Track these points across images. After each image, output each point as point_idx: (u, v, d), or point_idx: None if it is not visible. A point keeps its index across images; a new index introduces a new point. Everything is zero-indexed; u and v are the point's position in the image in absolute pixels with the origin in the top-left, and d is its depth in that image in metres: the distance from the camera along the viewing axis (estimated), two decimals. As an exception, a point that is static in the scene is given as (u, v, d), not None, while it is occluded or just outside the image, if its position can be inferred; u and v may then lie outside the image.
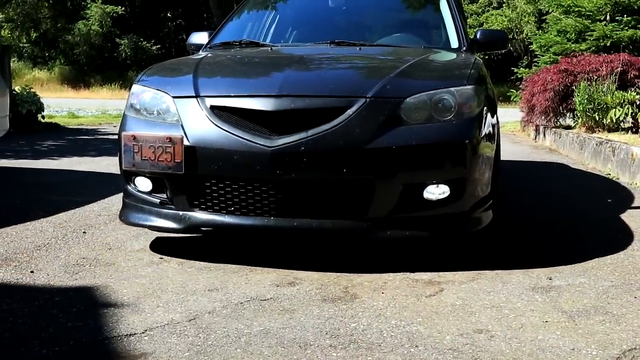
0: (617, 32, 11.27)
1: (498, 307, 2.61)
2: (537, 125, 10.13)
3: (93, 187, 5.29)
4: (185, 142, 3.08)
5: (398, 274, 3.03)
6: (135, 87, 3.48)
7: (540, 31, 17.00)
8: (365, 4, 5.09)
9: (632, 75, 8.63)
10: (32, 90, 10.86)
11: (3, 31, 20.27)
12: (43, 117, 10.89)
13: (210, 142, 3.08)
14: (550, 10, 14.12)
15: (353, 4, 5.03)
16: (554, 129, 9.22)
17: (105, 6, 28.99)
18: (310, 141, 2.97)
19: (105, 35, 29.38)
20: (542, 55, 12.92)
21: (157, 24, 32.87)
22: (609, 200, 5.02)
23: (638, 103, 7.86)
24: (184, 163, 3.07)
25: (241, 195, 3.09)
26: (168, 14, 33.60)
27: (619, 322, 2.47)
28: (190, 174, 3.10)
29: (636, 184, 5.57)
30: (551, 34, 12.84)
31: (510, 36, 21.80)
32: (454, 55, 4.00)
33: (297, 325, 2.40)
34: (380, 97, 3.09)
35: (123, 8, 29.70)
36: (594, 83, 8.38)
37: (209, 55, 4.11)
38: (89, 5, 29.30)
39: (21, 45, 30.42)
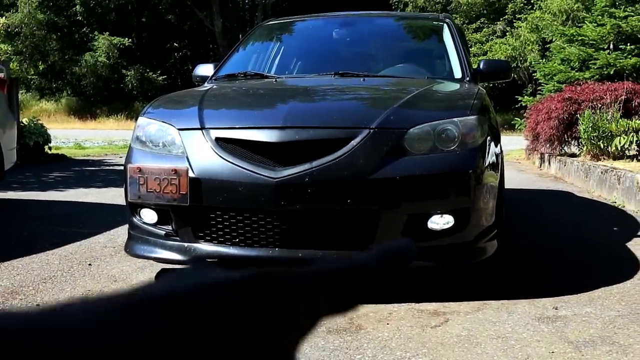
0: (621, 61, 11.33)
1: (504, 338, 2.60)
2: (542, 153, 10.14)
3: (99, 219, 5.31)
4: (191, 174, 3.10)
5: (403, 304, 3.02)
6: (141, 120, 3.51)
7: (544, 60, 17.10)
8: (368, 35, 5.15)
9: (636, 103, 8.65)
10: (40, 122, 10.94)
11: (12, 64, 20.49)
12: (50, 148, 10.96)
13: (215, 174, 3.10)
14: (554, 39, 14.22)
15: (357, 36, 5.08)
16: (558, 157, 9.23)
17: (112, 38, 29.32)
18: (315, 172, 2.98)
19: (112, 67, 29.67)
20: (546, 84, 12.97)
21: (163, 54, 33.20)
22: (615, 229, 5.01)
23: (642, 130, 7.87)
24: (189, 195, 3.09)
25: (246, 227, 3.10)
26: (174, 44, 33.94)
27: (625, 352, 2.45)
28: (196, 206, 3.11)
29: (642, 212, 5.55)
30: (555, 63, 12.90)
31: (514, 65, 21.92)
32: (457, 86, 4.03)
33: (302, 358, 2.39)
34: (384, 128, 3.11)
35: (130, 39, 30.02)
36: (598, 111, 8.40)
37: (214, 87, 4.15)
38: (96, 37, 29.64)
39: (29, 77, 30.72)
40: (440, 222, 3.07)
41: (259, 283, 0.25)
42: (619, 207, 6.02)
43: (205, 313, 0.23)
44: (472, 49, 23.85)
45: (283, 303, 0.25)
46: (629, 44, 11.57)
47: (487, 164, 3.22)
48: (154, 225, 3.31)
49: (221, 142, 3.17)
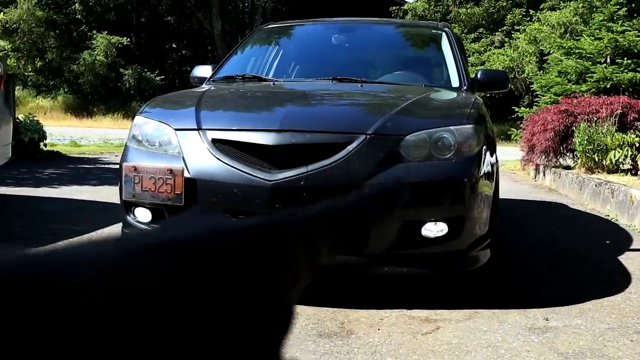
0: (617, 75, 11.38)
1: (494, 347, 2.61)
2: (537, 165, 10.16)
3: (93, 217, 5.30)
4: (186, 174, 3.10)
5: (394, 310, 3.03)
6: (138, 119, 3.51)
7: (541, 71, 17.15)
8: (367, 42, 5.16)
9: (631, 117, 8.70)
10: (36, 118, 10.91)
11: (9, 60, 20.46)
12: (45, 145, 10.93)
13: (210, 175, 3.10)
14: (551, 51, 14.27)
15: (356, 42, 5.09)
16: (553, 169, 9.26)
17: (111, 37, 29.28)
18: (310, 176, 2.99)
19: (109, 66, 29.62)
20: (543, 95, 13.02)
21: (162, 55, 33.18)
22: (607, 242, 5.02)
23: (637, 145, 7.91)
24: (184, 195, 3.09)
25: (240, 229, 3.09)
26: (173, 45, 33.93)
27: (615, 364, 2.46)
28: (190, 207, 3.11)
29: (635, 225, 5.57)
30: (552, 75, 12.95)
31: (512, 75, 21.98)
32: (454, 94, 4.04)
33: (292, 361, 2.39)
34: (381, 134, 3.12)
35: (128, 39, 29.99)
36: (593, 124, 8.43)
37: (212, 88, 4.15)
38: (94, 36, 29.60)
39: (26, 73, 30.66)
40: (434, 229, 3.08)
41: (264, 230, 0.25)
42: (612, 220, 6.03)
43: (210, 259, 0.23)
44: (470, 58, 23.91)
45: (287, 248, 0.26)
46: (625, 59, 11.63)
47: (482, 173, 3.23)
48: (148, 224, 3.31)
49: (217, 144, 3.17)
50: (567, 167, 9.10)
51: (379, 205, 0.31)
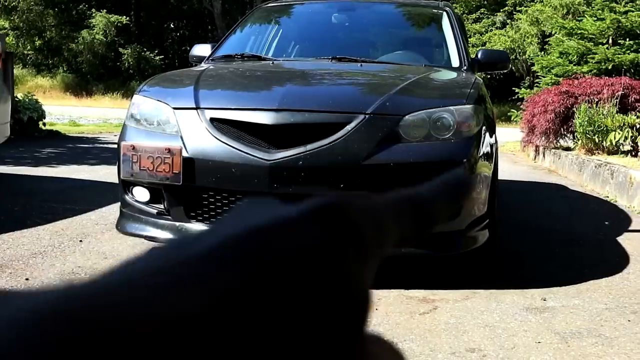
0: (619, 56, 11.34)
1: (491, 327, 2.61)
2: (537, 146, 10.15)
3: (91, 196, 5.30)
4: (184, 154, 3.09)
5: (392, 290, 3.03)
6: (136, 98, 3.49)
7: (542, 52, 17.09)
8: (367, 21, 5.13)
9: (632, 98, 8.67)
10: (34, 97, 10.89)
11: (8, 39, 20.36)
12: (44, 124, 10.91)
13: (208, 154, 3.09)
14: (553, 32, 14.20)
15: (356, 21, 5.06)
16: (553, 150, 9.24)
17: (110, 15, 29.14)
18: (309, 156, 2.98)
19: (108, 45, 29.50)
20: (544, 77, 12.98)
21: (161, 34, 33.03)
22: (606, 223, 5.02)
23: (638, 127, 7.89)
24: (182, 174, 3.08)
25: (238, 208, 3.09)
26: (172, 25, 33.77)
27: (611, 344, 2.47)
28: (188, 186, 3.10)
29: (634, 207, 5.57)
30: (553, 56, 12.91)
31: (513, 57, 21.89)
32: (454, 75, 4.02)
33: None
34: (380, 113, 3.11)
35: (127, 18, 29.84)
36: (594, 105, 8.41)
37: (211, 67, 4.13)
38: (93, 15, 29.45)
39: (25, 52, 30.53)
40: (432, 209, 3.07)
41: (328, 214, 0.24)
42: (611, 201, 6.03)
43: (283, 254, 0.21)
44: (471, 39, 23.81)
45: (354, 234, 0.24)
46: (628, 40, 11.58)
47: (481, 153, 3.22)
48: (146, 203, 3.30)
49: (216, 123, 3.16)
50: (567, 149, 9.09)
51: (447, 196, 0.30)
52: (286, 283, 0.21)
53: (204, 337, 0.18)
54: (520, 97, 13.76)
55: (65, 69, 31.31)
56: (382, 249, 0.26)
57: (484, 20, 27.09)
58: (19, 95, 10.84)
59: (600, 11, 12.17)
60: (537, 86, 13.64)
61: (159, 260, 0.21)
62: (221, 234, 0.22)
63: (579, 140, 8.53)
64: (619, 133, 7.77)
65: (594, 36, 11.98)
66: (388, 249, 0.26)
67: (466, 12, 27.14)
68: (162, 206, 3.25)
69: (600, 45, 11.77)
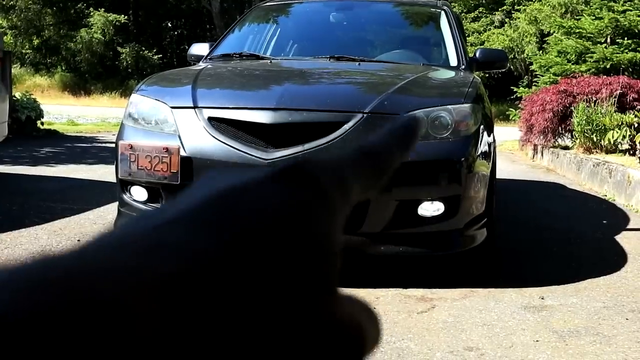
0: (617, 55, 11.35)
1: (489, 325, 2.61)
2: (535, 145, 10.15)
3: (89, 195, 5.29)
4: (182, 153, 3.09)
5: (391, 289, 3.03)
6: (134, 97, 3.49)
7: (541, 52, 17.09)
8: (365, 20, 5.12)
9: (630, 97, 8.67)
10: (32, 96, 10.87)
11: (6, 38, 20.34)
12: (42, 123, 10.89)
13: (206, 153, 3.09)
14: (552, 32, 14.21)
15: (354, 20, 5.06)
16: (551, 149, 9.25)
17: (108, 14, 29.10)
18: (307, 155, 2.98)
19: (107, 44, 29.46)
20: (542, 76, 12.98)
21: (159, 33, 33.01)
22: (604, 222, 5.03)
23: (636, 125, 7.89)
24: (180, 173, 3.08)
25: (236, 207, 3.09)
26: (170, 24, 33.75)
27: (609, 343, 2.47)
28: (186, 185, 3.09)
29: (632, 205, 5.58)
30: (552, 55, 12.91)
31: (511, 56, 21.89)
32: (452, 73, 4.02)
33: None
34: (378, 112, 3.11)
35: (126, 17, 29.81)
36: (592, 104, 8.41)
37: (209, 66, 4.13)
38: (91, 13, 29.41)
39: (23, 51, 30.50)
40: (430, 208, 3.07)
41: (289, 173, 0.24)
42: (609, 200, 6.04)
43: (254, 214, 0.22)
44: (470, 38, 23.81)
45: (315, 189, 0.25)
46: (626, 39, 11.59)
47: (479, 152, 3.22)
48: (144, 203, 3.30)
49: (214, 122, 3.15)
50: (565, 148, 9.09)
51: (397, 145, 0.31)
52: (253, 241, 0.21)
53: (175, 298, 0.19)
54: (518, 96, 13.77)
55: (63, 68, 31.27)
56: (346, 201, 0.27)
57: (482, 19, 27.08)
58: (17, 94, 10.83)
59: (598, 10, 12.17)
60: (535, 85, 13.64)
61: (130, 229, 0.21)
62: (187, 201, 0.23)
63: (577, 139, 8.53)
64: (617, 132, 7.77)
65: (592, 35, 11.99)
66: (351, 201, 0.27)
67: (464, 11, 27.13)
68: (160, 205, 3.24)
69: (598, 45, 11.78)
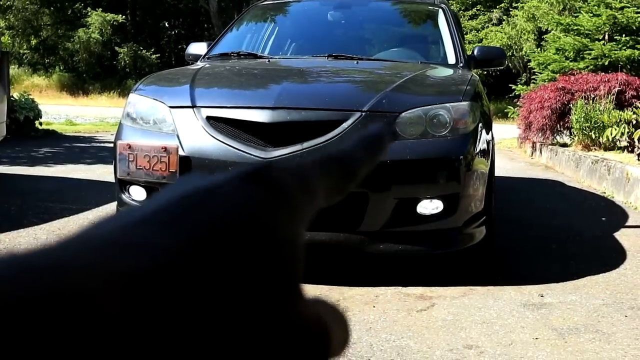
0: (615, 52, 11.35)
1: (489, 323, 2.62)
2: (533, 142, 10.15)
3: (88, 195, 5.29)
4: (181, 152, 3.09)
5: (390, 287, 3.03)
6: (132, 96, 3.49)
7: (539, 49, 17.09)
8: (363, 18, 5.12)
9: (629, 95, 8.67)
10: (31, 96, 10.86)
11: (3, 38, 20.32)
12: (40, 123, 10.88)
13: (205, 153, 3.09)
14: (550, 29, 14.21)
15: (352, 18, 5.05)
16: (550, 146, 9.25)
17: (106, 14, 29.06)
18: (305, 154, 2.98)
19: (105, 44, 29.43)
20: (541, 73, 12.98)
21: (157, 33, 32.97)
22: (603, 219, 5.03)
23: (634, 122, 7.89)
24: (179, 173, 3.07)
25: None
26: (167, 24, 33.72)
27: (609, 340, 2.47)
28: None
29: (630, 202, 5.58)
30: (550, 52, 12.91)
31: (509, 53, 21.86)
32: (450, 71, 4.02)
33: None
34: (376, 111, 3.11)
35: (123, 17, 29.78)
36: (591, 102, 8.41)
37: (207, 65, 4.12)
38: (89, 13, 29.38)
39: (21, 51, 30.45)
40: (429, 207, 3.07)
41: (253, 176, 0.25)
42: (608, 197, 6.04)
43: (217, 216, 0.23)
44: (468, 36, 23.78)
45: (278, 192, 0.26)
46: (624, 35, 11.59)
47: (478, 150, 3.22)
48: (143, 202, 3.29)
49: (212, 121, 3.15)
50: (564, 145, 9.09)
51: (366, 152, 0.32)
52: (215, 238, 0.22)
53: (140, 294, 0.19)
54: (516, 93, 13.76)
55: (61, 68, 31.23)
56: (310, 204, 0.27)
57: (480, 17, 27.06)
58: (15, 94, 10.81)
59: (596, 7, 12.17)
60: (533, 83, 13.64)
61: (99, 229, 0.22)
62: (155, 202, 0.24)
63: (575, 136, 8.54)
64: (615, 129, 7.77)
65: (590, 32, 11.99)
66: (317, 204, 0.28)
67: (462, 8, 27.12)
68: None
69: (596, 42, 11.78)
